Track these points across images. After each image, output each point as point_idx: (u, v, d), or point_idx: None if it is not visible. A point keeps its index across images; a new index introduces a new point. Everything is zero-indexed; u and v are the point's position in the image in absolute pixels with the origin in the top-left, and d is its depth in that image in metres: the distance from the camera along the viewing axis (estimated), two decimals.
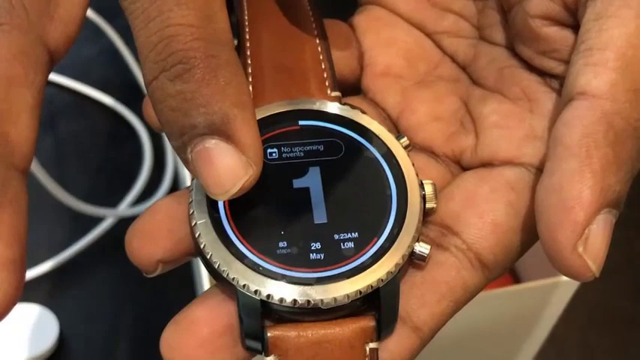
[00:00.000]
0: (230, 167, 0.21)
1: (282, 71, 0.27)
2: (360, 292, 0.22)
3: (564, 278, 0.46)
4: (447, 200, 0.25)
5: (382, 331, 0.23)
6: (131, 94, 0.65)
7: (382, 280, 0.23)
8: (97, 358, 0.53)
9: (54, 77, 0.66)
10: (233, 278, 0.22)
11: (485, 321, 0.48)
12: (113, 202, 0.59)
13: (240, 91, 0.21)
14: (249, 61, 0.27)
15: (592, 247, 0.21)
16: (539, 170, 0.24)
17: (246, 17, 0.28)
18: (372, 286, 0.23)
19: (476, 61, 0.29)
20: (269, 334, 0.22)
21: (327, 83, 0.27)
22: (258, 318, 0.22)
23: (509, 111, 0.27)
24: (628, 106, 0.22)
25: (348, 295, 0.22)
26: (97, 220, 0.57)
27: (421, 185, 0.25)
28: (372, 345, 0.23)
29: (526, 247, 0.25)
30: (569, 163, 0.22)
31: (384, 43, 0.30)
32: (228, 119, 0.21)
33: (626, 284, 0.61)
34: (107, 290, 0.56)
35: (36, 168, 0.51)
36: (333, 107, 0.26)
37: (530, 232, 0.24)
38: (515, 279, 0.56)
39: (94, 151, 0.63)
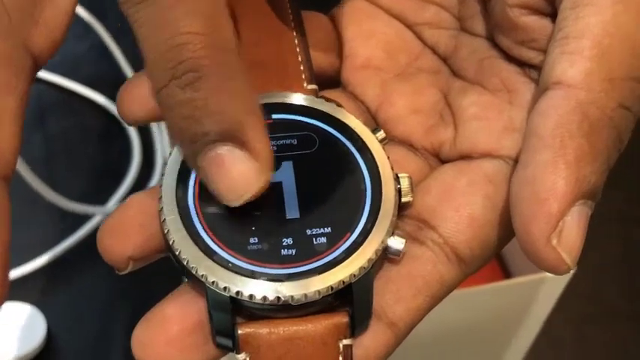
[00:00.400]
0: (244, 173, 0.21)
1: (257, 64, 0.27)
2: (332, 288, 0.22)
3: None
4: (424, 194, 0.25)
5: (356, 327, 0.23)
6: None
7: (354, 275, 0.22)
8: (85, 357, 0.53)
9: (43, 74, 0.66)
10: (202, 275, 0.22)
11: (477, 316, 0.48)
12: (102, 199, 0.58)
13: (250, 98, 0.21)
14: None
15: (567, 239, 0.21)
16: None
17: None
18: (343, 282, 0.22)
19: (457, 52, 0.28)
20: (240, 332, 0.22)
21: (303, 76, 0.26)
22: (228, 315, 0.22)
23: (489, 102, 0.26)
24: (603, 95, 0.22)
25: (319, 291, 0.22)
26: (85, 218, 0.57)
27: (397, 179, 0.24)
28: (345, 341, 0.22)
29: (504, 241, 0.25)
30: (542, 155, 0.21)
31: (364, 34, 0.29)
32: (241, 126, 0.21)
33: (618, 278, 0.60)
34: (95, 289, 0.56)
35: (23, 166, 0.51)
36: (307, 100, 0.26)
37: (507, 226, 0.24)
38: (506, 274, 0.56)
39: (83, 149, 0.63)
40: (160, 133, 0.62)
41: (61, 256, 0.56)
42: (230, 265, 0.22)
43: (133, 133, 0.63)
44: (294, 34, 0.27)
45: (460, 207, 0.24)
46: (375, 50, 0.29)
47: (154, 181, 0.60)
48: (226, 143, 0.21)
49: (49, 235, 0.56)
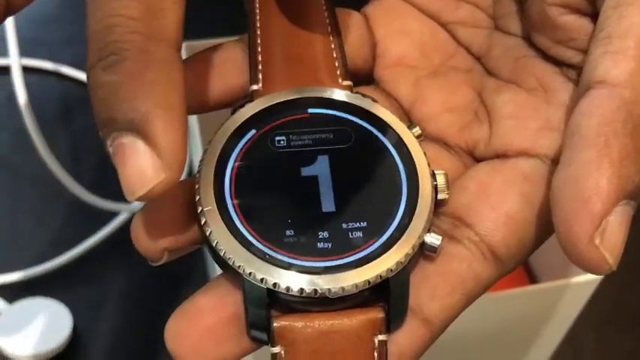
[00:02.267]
0: (140, 168, 0.20)
1: (292, 60, 0.27)
2: (369, 282, 0.22)
3: (581, 278, 0.46)
4: (460, 191, 0.25)
5: (391, 322, 0.22)
6: None
7: (391, 270, 0.22)
8: (110, 352, 0.53)
9: (69, 71, 0.66)
10: (239, 266, 0.22)
11: (501, 321, 0.48)
12: None
13: (169, 92, 0.21)
14: (260, 49, 0.27)
15: (609, 239, 0.21)
16: (555, 162, 0.24)
17: (257, 6, 0.28)
18: (381, 276, 0.22)
19: (491, 51, 0.28)
20: (275, 325, 0.22)
21: (338, 72, 0.26)
22: (264, 307, 0.22)
23: (525, 101, 0.26)
24: None
25: (356, 285, 0.22)
26: (111, 215, 0.57)
27: (433, 175, 0.24)
28: (380, 337, 0.22)
29: (540, 240, 0.24)
30: (586, 153, 0.21)
31: (397, 33, 0.29)
32: (148, 119, 0.20)
33: None
34: (121, 285, 0.56)
35: (51, 162, 0.51)
36: (343, 95, 0.26)
37: (544, 225, 0.24)
38: (532, 279, 0.56)
39: None
40: None
41: (87, 253, 0.56)
42: (267, 256, 0.22)
43: None
44: (329, 30, 0.28)
45: (496, 205, 0.24)
46: (408, 48, 0.29)
47: None
48: (131, 134, 0.20)
49: (76, 232, 0.57)
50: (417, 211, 0.23)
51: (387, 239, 0.23)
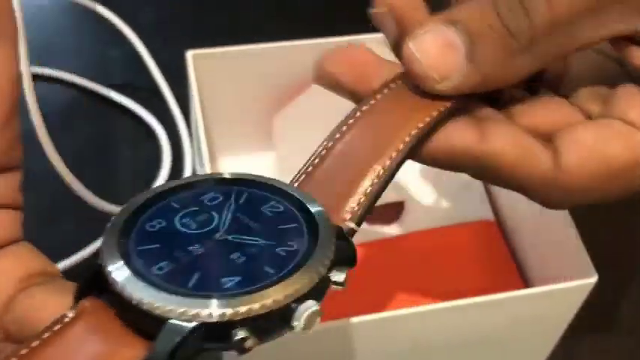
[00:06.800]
0: None
1: (328, 177, 0.28)
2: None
3: (575, 283, 0.47)
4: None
5: None
6: (151, 97, 0.66)
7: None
8: None
9: (75, 79, 0.67)
10: None
11: (495, 325, 0.48)
12: None
13: None
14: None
15: None
16: None
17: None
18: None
19: None
20: None
21: (350, 215, 0.27)
22: None
23: None
24: None
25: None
26: None
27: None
28: None
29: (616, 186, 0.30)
30: None
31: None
32: None
33: (636, 292, 0.61)
34: None
35: (59, 166, 0.52)
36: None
37: (620, 182, 0.29)
38: (526, 283, 0.56)
39: (115, 152, 0.64)
40: (188, 137, 0.64)
41: (94, 256, 0.57)
42: None
43: (162, 138, 0.64)
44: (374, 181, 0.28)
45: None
46: None
47: None
48: None
49: (83, 235, 0.57)
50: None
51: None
